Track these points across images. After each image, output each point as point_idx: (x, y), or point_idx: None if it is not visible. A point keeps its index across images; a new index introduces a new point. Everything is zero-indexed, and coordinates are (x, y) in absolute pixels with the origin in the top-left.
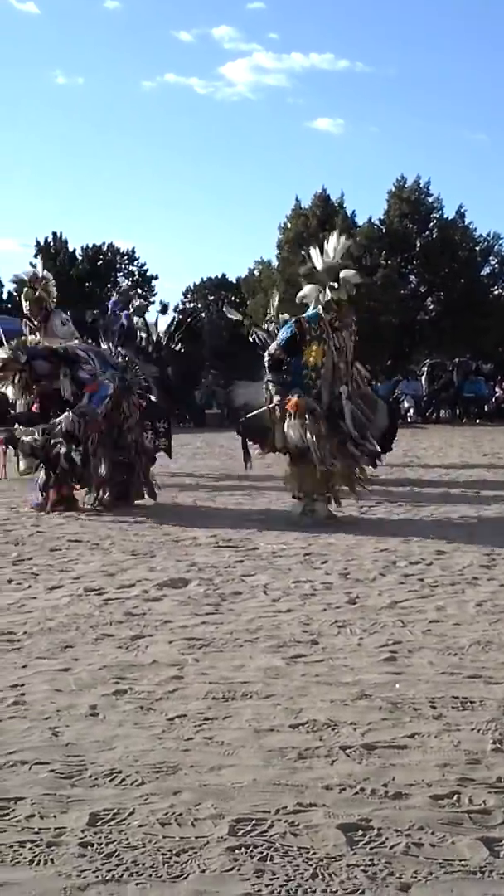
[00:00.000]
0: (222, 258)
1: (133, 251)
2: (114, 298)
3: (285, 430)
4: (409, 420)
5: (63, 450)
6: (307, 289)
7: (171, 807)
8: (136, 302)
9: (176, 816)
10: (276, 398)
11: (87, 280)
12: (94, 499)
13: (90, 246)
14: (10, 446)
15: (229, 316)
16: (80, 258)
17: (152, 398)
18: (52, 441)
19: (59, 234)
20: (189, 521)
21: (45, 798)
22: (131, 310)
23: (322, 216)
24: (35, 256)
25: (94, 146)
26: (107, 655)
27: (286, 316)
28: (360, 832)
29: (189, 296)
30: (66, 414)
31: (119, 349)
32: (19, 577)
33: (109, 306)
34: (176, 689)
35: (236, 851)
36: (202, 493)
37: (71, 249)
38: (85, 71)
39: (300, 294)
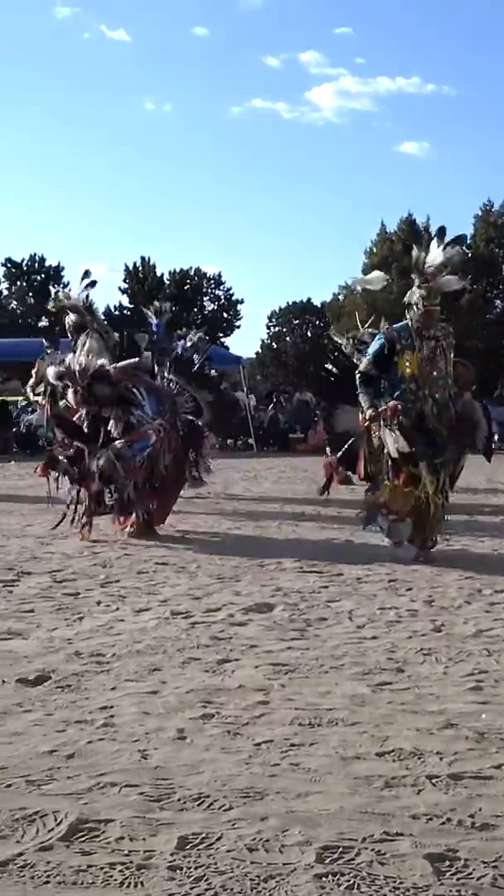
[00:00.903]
0: (308, 282)
1: (219, 275)
2: (156, 320)
3: (384, 438)
4: (492, 446)
5: (95, 488)
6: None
7: (259, 832)
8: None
9: (263, 842)
10: (369, 411)
11: (173, 304)
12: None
13: (177, 270)
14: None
15: (335, 339)
16: (167, 282)
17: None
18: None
19: (147, 259)
20: (274, 545)
21: (134, 820)
22: (188, 343)
23: (407, 240)
24: (123, 281)
25: (182, 172)
26: (194, 679)
27: (372, 330)
28: (447, 863)
29: (274, 320)
30: (105, 451)
31: (170, 376)
32: (107, 599)
33: (154, 328)
34: (262, 714)
35: (323, 879)
36: (286, 517)
37: (158, 274)
38: (173, 97)
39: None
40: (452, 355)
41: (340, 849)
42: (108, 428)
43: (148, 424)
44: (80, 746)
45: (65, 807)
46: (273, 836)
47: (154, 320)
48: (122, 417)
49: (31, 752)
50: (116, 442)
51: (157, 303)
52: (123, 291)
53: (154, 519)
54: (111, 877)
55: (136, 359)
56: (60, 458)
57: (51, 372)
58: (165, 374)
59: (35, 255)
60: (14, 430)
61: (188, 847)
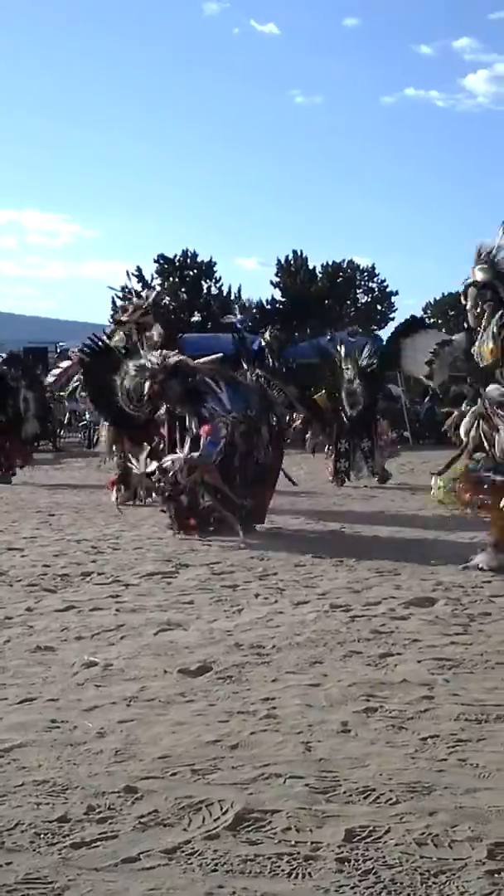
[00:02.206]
0: (464, 272)
1: (373, 267)
2: (239, 316)
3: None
4: None
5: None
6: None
7: (428, 827)
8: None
9: (432, 837)
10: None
11: (326, 298)
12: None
13: (330, 263)
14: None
15: None
16: (319, 276)
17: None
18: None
19: (299, 252)
20: (433, 538)
21: (300, 812)
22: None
23: None
24: (275, 275)
25: (333, 164)
26: (356, 672)
27: None
28: None
29: (429, 311)
30: (178, 457)
31: (257, 371)
32: (266, 591)
33: (236, 324)
34: (427, 709)
35: (496, 876)
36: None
37: (311, 267)
38: (323, 89)
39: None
40: None
41: None
42: (192, 434)
43: (220, 418)
44: (243, 737)
45: (230, 796)
46: (442, 831)
47: (238, 317)
48: (194, 412)
49: (194, 742)
50: (190, 453)
51: (242, 299)
52: (275, 285)
53: (253, 516)
54: (279, 867)
55: (218, 355)
56: (133, 472)
57: (130, 367)
58: (252, 370)
59: (187, 250)
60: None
61: (356, 840)
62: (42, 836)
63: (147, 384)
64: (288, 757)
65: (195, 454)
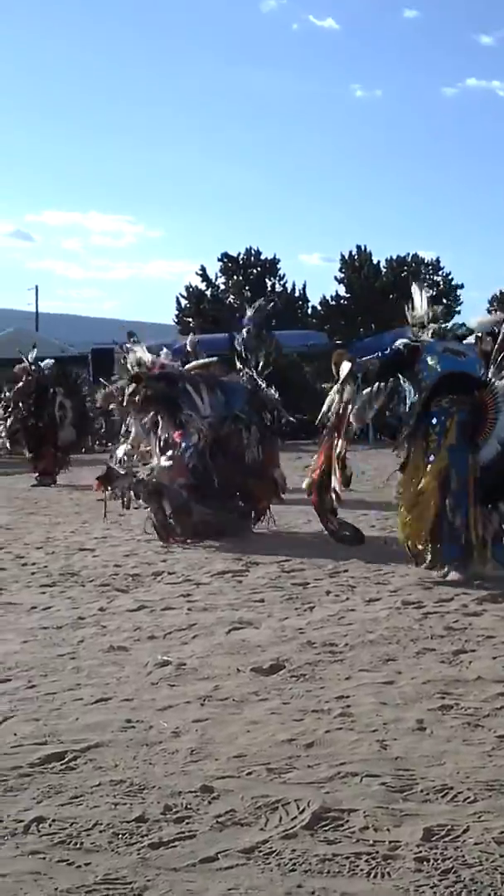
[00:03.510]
0: None
1: (438, 261)
2: (249, 314)
3: None
4: None
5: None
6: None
7: None
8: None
9: None
10: None
11: (391, 292)
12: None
13: (394, 258)
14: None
15: None
16: (384, 270)
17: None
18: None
19: (363, 247)
20: None
21: (378, 811)
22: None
23: None
24: (339, 270)
25: (395, 157)
26: (430, 670)
27: None
28: None
29: (495, 304)
30: (159, 462)
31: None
32: (337, 588)
33: (245, 323)
34: (503, 706)
35: None
36: None
37: (375, 262)
38: (383, 82)
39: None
40: None
41: None
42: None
43: (193, 423)
44: (318, 735)
45: (307, 795)
46: None
47: (248, 315)
48: (171, 418)
49: (269, 741)
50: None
51: (260, 301)
52: (339, 281)
53: (254, 514)
54: (357, 867)
55: (209, 359)
56: (118, 472)
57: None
58: (249, 371)
59: (251, 248)
60: None
61: (434, 839)
62: (120, 836)
63: (132, 388)
64: (364, 755)
65: (165, 461)
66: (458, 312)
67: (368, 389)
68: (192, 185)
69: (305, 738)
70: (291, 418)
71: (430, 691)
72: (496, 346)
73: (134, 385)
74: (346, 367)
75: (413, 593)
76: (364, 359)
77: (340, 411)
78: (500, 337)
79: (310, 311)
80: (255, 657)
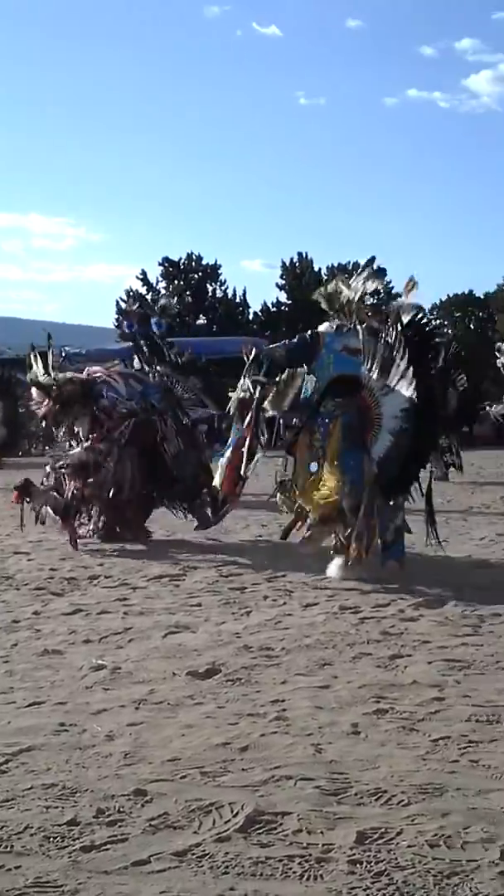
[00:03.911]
0: (469, 274)
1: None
2: (155, 319)
3: None
4: None
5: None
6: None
7: (440, 828)
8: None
9: (445, 839)
10: None
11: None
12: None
13: (335, 265)
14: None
15: None
16: (324, 277)
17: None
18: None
19: (304, 254)
20: (442, 541)
21: (311, 814)
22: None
23: None
24: (280, 277)
25: (337, 165)
26: (366, 674)
27: None
28: None
29: (435, 312)
30: (77, 450)
31: (155, 367)
32: (274, 593)
33: (154, 327)
34: (438, 710)
35: None
36: (456, 514)
37: (316, 269)
38: (327, 91)
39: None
40: None
41: None
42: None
43: (122, 404)
44: (253, 739)
45: (241, 798)
46: (454, 832)
47: (156, 319)
48: (87, 414)
49: (204, 744)
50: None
51: (163, 300)
52: (280, 287)
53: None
54: (290, 869)
55: (115, 362)
56: (35, 485)
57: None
58: (153, 370)
59: (192, 253)
60: None
61: (367, 842)
62: (52, 839)
63: (44, 402)
64: (298, 759)
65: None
66: None
67: (281, 376)
68: (134, 189)
69: (240, 742)
70: (212, 411)
71: (365, 695)
72: (380, 349)
73: (43, 393)
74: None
75: (350, 598)
76: (270, 346)
77: (246, 398)
78: (383, 342)
79: (251, 316)
80: (191, 661)
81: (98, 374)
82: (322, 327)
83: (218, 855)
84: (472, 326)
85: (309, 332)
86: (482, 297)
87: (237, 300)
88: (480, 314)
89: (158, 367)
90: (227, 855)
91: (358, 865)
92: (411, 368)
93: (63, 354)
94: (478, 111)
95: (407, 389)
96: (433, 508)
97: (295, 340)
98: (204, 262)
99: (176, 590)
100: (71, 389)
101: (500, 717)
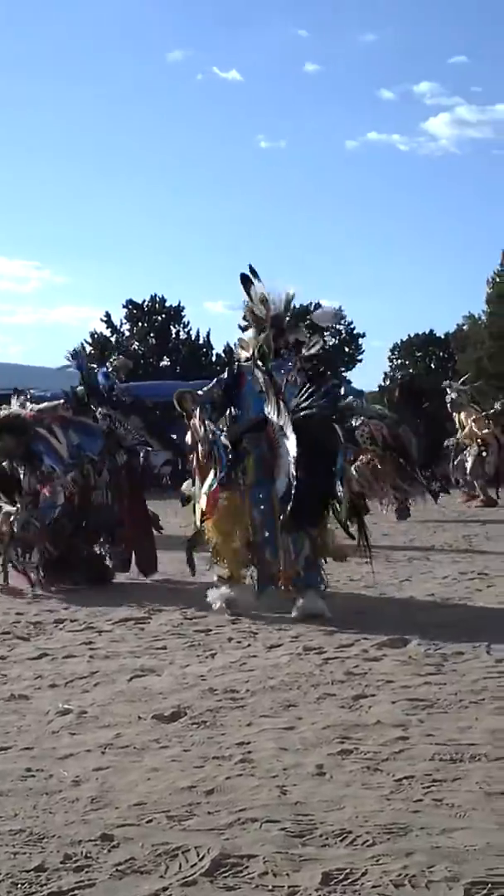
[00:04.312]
0: (430, 314)
1: (340, 309)
2: (106, 370)
3: None
4: None
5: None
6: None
7: (405, 868)
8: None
9: (410, 878)
10: None
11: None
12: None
13: (297, 306)
14: None
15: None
16: (287, 318)
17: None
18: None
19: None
20: (405, 580)
21: (277, 856)
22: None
23: None
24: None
25: (298, 208)
26: (330, 714)
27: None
28: None
29: (396, 352)
30: (19, 510)
31: (100, 409)
32: (239, 635)
33: (100, 377)
34: (402, 749)
35: None
36: (419, 552)
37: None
38: (287, 134)
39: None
40: None
41: (489, 885)
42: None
43: (58, 480)
44: (218, 782)
45: (206, 842)
46: (419, 871)
47: (104, 371)
48: (30, 469)
49: (170, 788)
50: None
51: (116, 360)
52: (243, 329)
53: (142, 567)
54: None
55: (58, 401)
56: None
57: None
58: (102, 411)
59: (155, 295)
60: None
61: (333, 882)
62: (19, 885)
63: None
64: (264, 801)
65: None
66: (360, 361)
67: (227, 413)
68: (99, 232)
69: (206, 785)
70: (159, 450)
71: (329, 736)
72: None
73: None
74: (189, 401)
75: (314, 639)
76: (204, 389)
77: (199, 443)
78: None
79: (214, 358)
80: (156, 704)
81: (38, 432)
82: (243, 360)
83: None
84: (432, 366)
85: (234, 366)
86: (442, 336)
87: (200, 341)
88: (441, 353)
89: (100, 408)
90: None
91: None
92: (290, 419)
93: (28, 396)
94: (436, 154)
95: (290, 440)
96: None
97: (225, 377)
98: (167, 304)
99: (141, 633)
100: (5, 444)
101: (462, 755)
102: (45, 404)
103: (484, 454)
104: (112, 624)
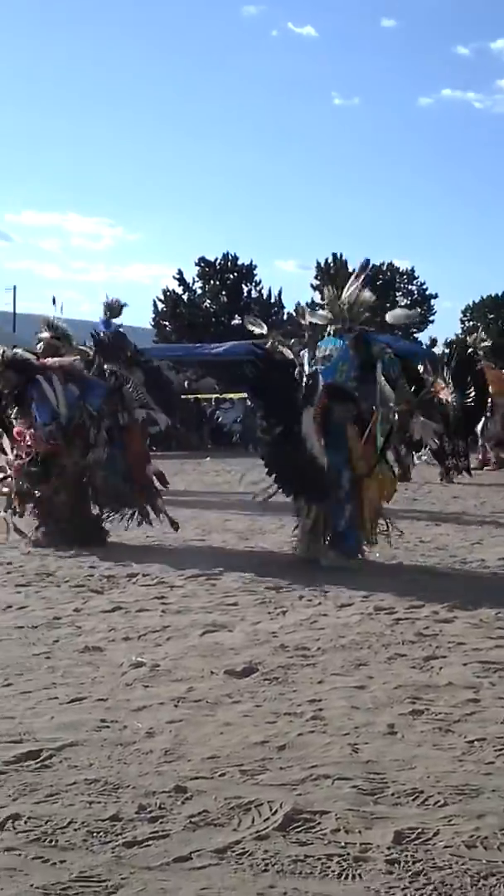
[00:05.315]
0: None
1: (412, 270)
2: (102, 318)
3: None
4: None
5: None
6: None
7: (476, 830)
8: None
9: (482, 840)
10: None
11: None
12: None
13: (372, 265)
14: None
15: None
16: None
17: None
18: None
19: (338, 255)
20: (476, 543)
21: (349, 813)
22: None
23: None
24: (315, 277)
25: (371, 166)
26: (401, 675)
27: None
28: None
29: (468, 314)
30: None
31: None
32: (310, 593)
33: (101, 325)
34: (473, 712)
35: None
36: (489, 516)
37: (350, 270)
38: (361, 91)
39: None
40: None
41: None
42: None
43: (37, 430)
44: (290, 738)
45: (279, 797)
46: (491, 833)
47: (102, 319)
48: (21, 413)
49: (242, 743)
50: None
51: (108, 298)
52: (315, 288)
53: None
54: (329, 868)
55: (74, 357)
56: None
57: None
58: (107, 367)
59: (228, 253)
60: (208, 426)
61: (405, 842)
62: (95, 834)
63: None
64: (335, 758)
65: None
66: (432, 322)
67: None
68: (171, 190)
69: (278, 741)
70: (165, 419)
71: (401, 696)
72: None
73: None
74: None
75: (385, 599)
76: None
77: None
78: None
79: (285, 317)
80: (228, 660)
81: (46, 366)
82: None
83: (257, 853)
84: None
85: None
86: None
87: (272, 300)
88: None
89: (108, 365)
90: (267, 853)
91: (396, 865)
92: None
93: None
94: None
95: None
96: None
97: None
98: (240, 263)
99: (212, 588)
100: (5, 378)
101: None
102: (58, 359)
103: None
104: (184, 579)
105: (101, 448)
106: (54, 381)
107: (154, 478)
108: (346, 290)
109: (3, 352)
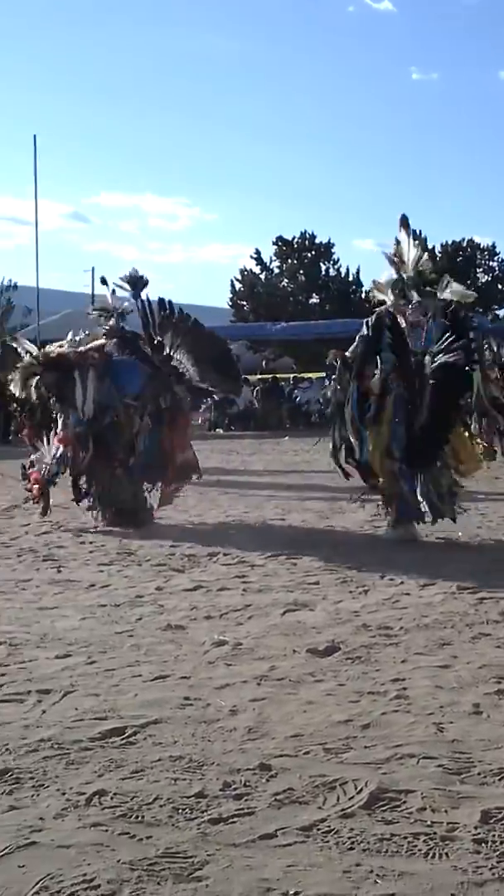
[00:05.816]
0: None
1: (493, 246)
2: (132, 291)
3: None
4: None
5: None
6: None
7: None
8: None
9: None
10: None
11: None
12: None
13: (449, 243)
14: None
15: None
16: (438, 255)
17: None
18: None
19: (418, 232)
20: None
21: (435, 792)
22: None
23: None
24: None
25: (450, 141)
26: (486, 654)
27: None
28: None
29: None
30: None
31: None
32: (391, 573)
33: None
34: None
35: None
36: None
37: (430, 247)
38: (440, 66)
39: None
40: None
41: None
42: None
43: (68, 430)
44: (374, 717)
45: (364, 776)
46: None
47: (129, 291)
48: (62, 411)
49: (325, 721)
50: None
51: (131, 271)
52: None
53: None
54: (415, 847)
55: (100, 340)
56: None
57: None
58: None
59: (305, 232)
60: (286, 405)
61: (492, 821)
62: (180, 810)
63: (23, 378)
64: (420, 737)
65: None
66: None
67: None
68: (247, 169)
69: (362, 720)
70: (214, 396)
71: (486, 676)
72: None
73: (29, 376)
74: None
75: (468, 578)
76: (351, 351)
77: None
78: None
79: (363, 296)
80: (310, 639)
81: (85, 357)
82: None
83: (343, 831)
84: None
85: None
86: None
87: (350, 279)
88: None
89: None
90: (353, 831)
91: (483, 845)
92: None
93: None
94: None
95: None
96: None
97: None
98: (317, 241)
99: (293, 567)
100: (48, 380)
101: None
102: (91, 344)
103: None
104: (264, 558)
105: (145, 435)
106: (89, 379)
107: (185, 465)
108: (406, 253)
109: (38, 354)
